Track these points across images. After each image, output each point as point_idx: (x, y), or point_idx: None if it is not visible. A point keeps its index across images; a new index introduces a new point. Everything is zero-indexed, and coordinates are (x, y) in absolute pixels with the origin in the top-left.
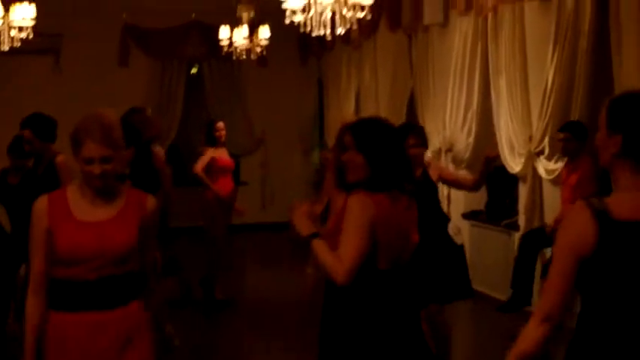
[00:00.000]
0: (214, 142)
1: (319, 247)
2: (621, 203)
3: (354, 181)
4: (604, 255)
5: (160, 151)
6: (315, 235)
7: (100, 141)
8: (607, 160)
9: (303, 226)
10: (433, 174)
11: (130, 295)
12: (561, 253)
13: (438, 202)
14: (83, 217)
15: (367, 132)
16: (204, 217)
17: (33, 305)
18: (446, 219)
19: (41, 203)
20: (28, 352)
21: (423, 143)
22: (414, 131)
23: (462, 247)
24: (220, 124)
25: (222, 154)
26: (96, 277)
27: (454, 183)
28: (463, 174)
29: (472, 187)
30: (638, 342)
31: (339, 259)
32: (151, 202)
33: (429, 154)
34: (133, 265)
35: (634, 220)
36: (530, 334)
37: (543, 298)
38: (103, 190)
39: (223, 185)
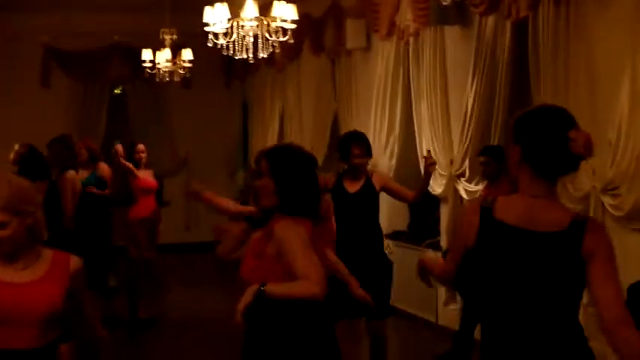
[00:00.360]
0: (136, 165)
1: (277, 288)
2: (506, 205)
3: (267, 207)
4: (481, 248)
5: (77, 175)
6: (263, 286)
7: None
8: (513, 168)
9: (246, 293)
10: (376, 183)
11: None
12: (456, 240)
13: (377, 211)
14: (4, 277)
15: (280, 158)
16: (126, 237)
17: None
18: (381, 233)
19: None
20: None
21: (367, 152)
22: (357, 140)
23: (392, 265)
24: (140, 147)
25: (145, 175)
26: (23, 347)
27: (397, 193)
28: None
29: (414, 198)
30: (506, 318)
31: (305, 279)
32: (74, 261)
33: (371, 164)
34: (56, 332)
35: (506, 222)
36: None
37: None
38: (8, 256)
39: (146, 206)
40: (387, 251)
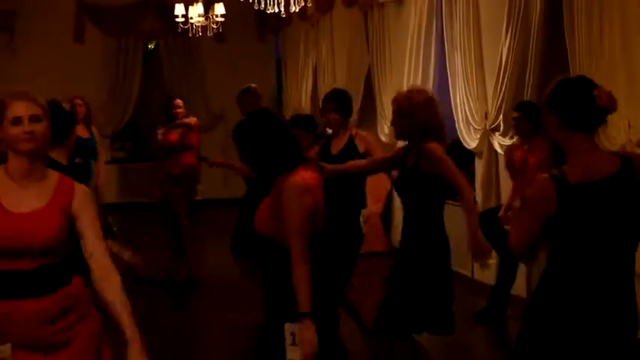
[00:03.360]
0: (172, 120)
1: (303, 299)
2: (573, 169)
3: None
4: (564, 213)
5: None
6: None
7: (27, 99)
8: (553, 133)
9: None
10: (360, 145)
11: (67, 276)
12: (530, 213)
13: (363, 177)
14: (10, 205)
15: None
16: (162, 193)
17: None
18: (363, 200)
19: None
20: None
21: (337, 108)
22: (325, 96)
23: (362, 237)
24: (178, 102)
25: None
26: (28, 268)
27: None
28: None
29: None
30: (593, 281)
31: (293, 258)
32: (79, 189)
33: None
34: (66, 252)
35: (584, 182)
36: None
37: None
38: (34, 157)
39: (186, 161)
40: (361, 220)
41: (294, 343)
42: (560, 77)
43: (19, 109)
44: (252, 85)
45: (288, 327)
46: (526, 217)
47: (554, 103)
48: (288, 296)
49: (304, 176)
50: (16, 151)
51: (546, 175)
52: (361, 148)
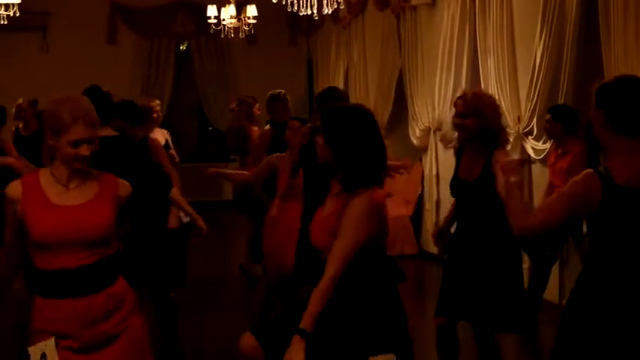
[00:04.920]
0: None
1: (310, 318)
2: (619, 170)
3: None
4: (607, 212)
5: None
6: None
7: (86, 123)
8: (597, 130)
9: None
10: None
11: (112, 276)
12: (568, 199)
13: None
14: (59, 201)
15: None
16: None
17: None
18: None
19: (15, 188)
20: None
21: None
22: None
23: None
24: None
25: None
26: (75, 266)
27: None
28: None
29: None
30: (632, 284)
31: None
32: (123, 184)
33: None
34: (113, 247)
35: (631, 184)
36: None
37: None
38: (81, 172)
39: None
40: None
41: None
42: (614, 77)
43: (81, 132)
44: (282, 91)
45: None
46: (559, 205)
47: (603, 102)
48: (364, 326)
49: (376, 195)
50: (65, 164)
51: (592, 170)
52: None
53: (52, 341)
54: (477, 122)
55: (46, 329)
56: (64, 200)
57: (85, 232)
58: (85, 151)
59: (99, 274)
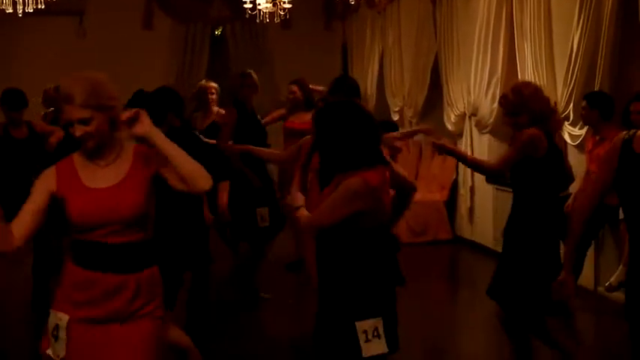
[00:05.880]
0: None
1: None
2: None
3: None
4: (622, 175)
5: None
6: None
7: (77, 103)
8: None
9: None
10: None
11: (145, 261)
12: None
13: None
14: (91, 183)
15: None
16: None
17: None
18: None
19: (50, 171)
20: None
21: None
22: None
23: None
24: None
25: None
26: (112, 242)
27: None
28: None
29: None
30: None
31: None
32: (152, 150)
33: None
34: (148, 231)
35: None
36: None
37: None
38: (96, 152)
39: None
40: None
41: (368, 340)
42: None
43: (67, 114)
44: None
45: (360, 325)
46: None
47: None
48: (352, 293)
49: (368, 176)
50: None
51: (621, 134)
52: None
53: (65, 319)
54: (529, 116)
55: (70, 295)
56: (96, 182)
57: (117, 214)
58: (78, 131)
59: (132, 256)
